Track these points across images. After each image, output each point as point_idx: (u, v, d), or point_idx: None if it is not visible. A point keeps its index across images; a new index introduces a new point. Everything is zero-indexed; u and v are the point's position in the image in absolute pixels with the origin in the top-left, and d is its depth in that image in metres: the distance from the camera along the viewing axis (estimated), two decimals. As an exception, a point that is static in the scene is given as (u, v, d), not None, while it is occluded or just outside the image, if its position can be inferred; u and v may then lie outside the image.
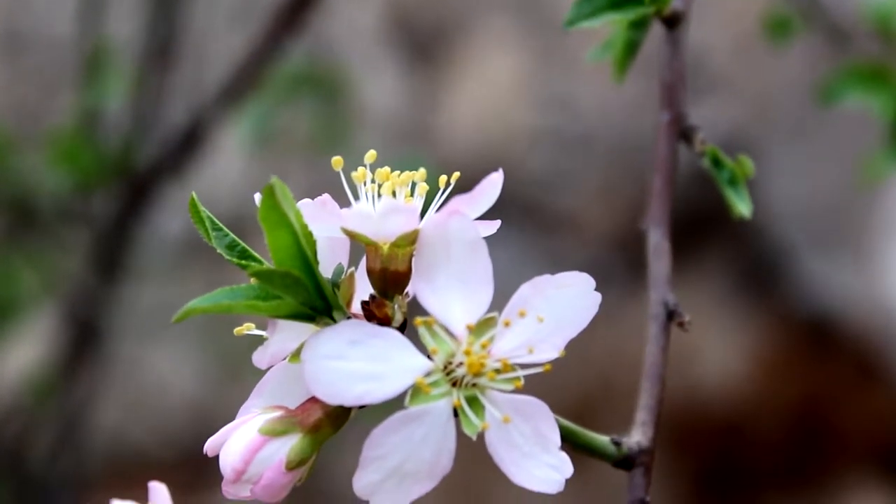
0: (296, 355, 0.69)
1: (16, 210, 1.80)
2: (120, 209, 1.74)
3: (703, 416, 2.29)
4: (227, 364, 2.07)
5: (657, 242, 0.83)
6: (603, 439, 0.75)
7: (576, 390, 2.22)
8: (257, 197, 0.68)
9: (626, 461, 0.75)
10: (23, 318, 1.87)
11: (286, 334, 0.70)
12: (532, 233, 2.37)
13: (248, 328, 0.73)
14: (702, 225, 2.32)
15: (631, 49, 0.94)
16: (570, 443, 0.70)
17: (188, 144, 1.69)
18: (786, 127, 2.44)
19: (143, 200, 1.73)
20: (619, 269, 2.31)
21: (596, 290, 0.69)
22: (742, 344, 2.37)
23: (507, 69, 2.51)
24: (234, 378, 2.06)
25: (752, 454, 2.33)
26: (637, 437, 0.75)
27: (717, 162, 0.86)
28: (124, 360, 2.19)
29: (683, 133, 0.88)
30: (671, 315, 0.80)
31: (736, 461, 2.32)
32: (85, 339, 1.81)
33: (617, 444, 0.75)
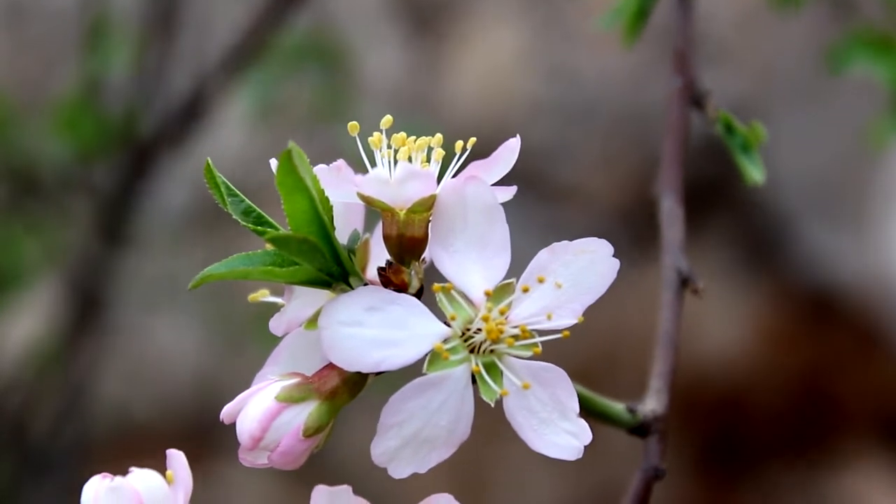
0: (312, 322, 0.69)
1: (18, 180, 1.79)
2: (123, 178, 1.73)
3: (704, 386, 2.29)
4: (231, 335, 2.06)
5: (670, 208, 0.83)
6: (618, 406, 0.75)
7: (577, 361, 2.22)
8: (273, 162, 0.67)
9: (640, 428, 0.75)
10: (25, 288, 1.86)
11: (302, 301, 0.69)
12: (533, 203, 2.36)
13: (263, 295, 0.72)
14: (702, 196, 2.31)
15: (642, 15, 0.93)
16: (585, 409, 0.69)
17: (191, 114, 1.69)
18: (787, 98, 2.44)
19: (146, 170, 1.73)
20: (620, 239, 2.30)
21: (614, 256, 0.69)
22: (744, 315, 2.37)
23: (509, 40, 2.51)
24: (237, 349, 2.06)
25: (754, 425, 2.33)
26: (652, 404, 0.75)
27: (729, 128, 0.85)
28: (127, 331, 2.18)
29: (696, 99, 0.87)
30: (685, 282, 0.80)
31: (737, 432, 2.32)
32: (87, 309, 1.80)
33: (632, 411, 0.75)
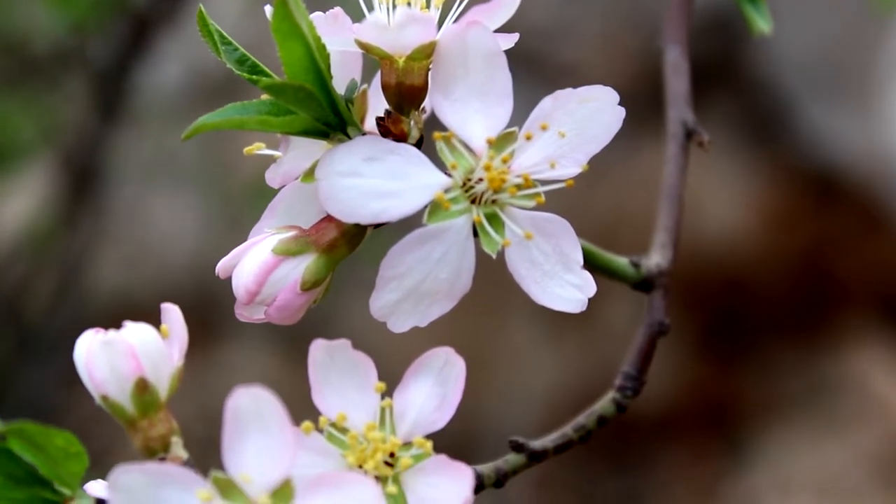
0: (309, 174, 0.67)
1: (13, 55, 1.77)
2: (118, 52, 1.71)
3: (706, 266, 2.28)
4: (229, 214, 2.05)
5: (675, 60, 0.81)
6: (622, 261, 0.73)
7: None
8: (268, 9, 0.65)
9: (644, 283, 0.73)
10: (20, 164, 1.84)
11: (299, 152, 0.68)
12: (533, 84, 2.34)
13: (259, 147, 0.70)
14: (704, 77, 2.29)
15: None
16: (589, 264, 0.67)
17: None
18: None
19: (142, 44, 1.70)
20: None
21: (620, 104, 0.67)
22: (746, 195, 2.35)
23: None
24: (236, 230, 2.04)
25: (756, 304, 2.32)
26: (656, 258, 0.74)
27: (735, -24, 0.83)
28: (125, 213, 2.17)
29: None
30: (690, 134, 0.78)
31: (739, 311, 2.31)
32: (84, 185, 1.79)
33: (636, 265, 0.73)
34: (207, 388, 2.09)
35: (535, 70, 2.34)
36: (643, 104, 2.27)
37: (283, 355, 2.22)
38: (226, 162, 2.04)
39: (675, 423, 2.25)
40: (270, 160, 0.69)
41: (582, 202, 2.16)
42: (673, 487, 2.22)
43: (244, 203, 1.84)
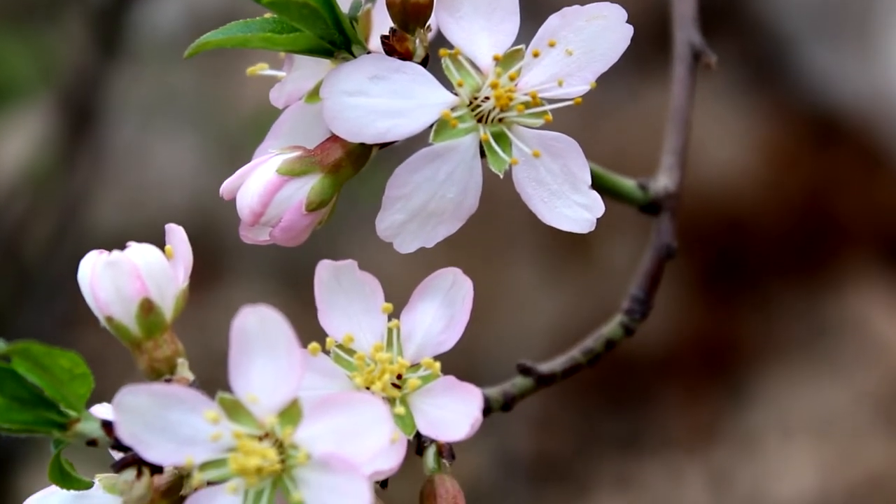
0: (314, 93, 0.67)
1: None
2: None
3: (708, 208, 2.27)
4: (228, 154, 2.04)
5: (682, -19, 0.80)
6: (629, 183, 0.73)
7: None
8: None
9: (652, 205, 0.73)
10: (18, 104, 1.83)
11: (303, 72, 0.67)
12: (534, 25, 2.33)
13: (262, 68, 0.70)
14: (707, 19, 2.27)
15: None
16: (596, 187, 0.67)
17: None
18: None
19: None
20: (624, 63, 2.26)
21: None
22: (747, 137, 2.34)
23: None
24: (235, 168, 2.03)
25: (757, 246, 2.31)
26: (664, 181, 0.73)
27: None
28: (125, 156, 2.16)
29: None
30: (697, 55, 0.77)
31: (741, 253, 2.31)
32: (82, 124, 1.77)
33: (644, 188, 0.73)
34: (208, 328, 2.09)
35: (535, 9, 2.33)
36: (648, 42, 2.26)
37: (284, 295, 2.22)
38: (224, 100, 2.03)
39: (675, 364, 2.25)
40: (272, 88, 0.68)
41: (586, 140, 2.14)
42: (672, 427, 2.23)
43: (243, 142, 1.83)
